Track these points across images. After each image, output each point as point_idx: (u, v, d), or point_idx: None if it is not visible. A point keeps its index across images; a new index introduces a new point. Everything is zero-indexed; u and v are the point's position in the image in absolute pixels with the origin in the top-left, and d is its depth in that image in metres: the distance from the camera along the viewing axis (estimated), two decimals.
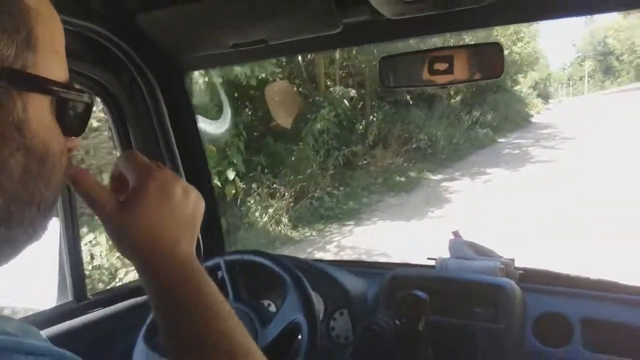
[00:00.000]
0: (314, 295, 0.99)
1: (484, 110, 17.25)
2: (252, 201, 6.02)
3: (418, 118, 12.06)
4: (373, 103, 11.35)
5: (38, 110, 0.38)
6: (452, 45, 1.04)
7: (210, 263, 1.05)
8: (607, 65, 58.76)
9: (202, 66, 1.47)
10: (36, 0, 0.38)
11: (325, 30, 1.04)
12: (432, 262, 1.34)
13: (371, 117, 10.75)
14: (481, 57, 1.02)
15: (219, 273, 1.06)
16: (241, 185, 5.86)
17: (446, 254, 1.34)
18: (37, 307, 1.13)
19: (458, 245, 1.33)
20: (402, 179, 9.15)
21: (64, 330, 1.08)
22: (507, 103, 21.20)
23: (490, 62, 1.01)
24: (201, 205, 0.53)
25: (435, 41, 6.02)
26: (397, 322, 1.08)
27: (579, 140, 14.12)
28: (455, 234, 1.36)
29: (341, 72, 10.15)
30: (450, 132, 13.43)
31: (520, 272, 1.24)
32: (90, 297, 1.20)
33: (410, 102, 12.19)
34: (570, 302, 1.16)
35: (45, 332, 0.97)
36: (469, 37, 7.67)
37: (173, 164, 1.32)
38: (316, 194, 6.94)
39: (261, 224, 5.94)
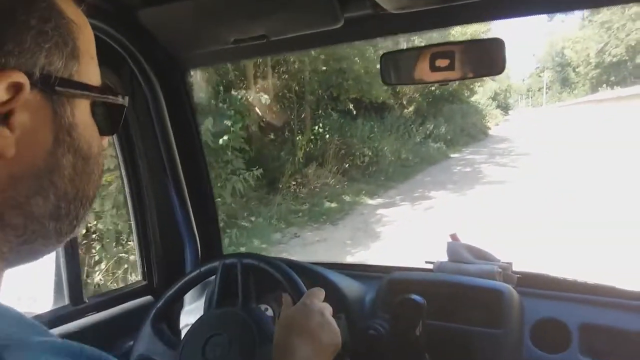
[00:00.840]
0: None
1: (438, 122, 18.51)
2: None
3: (363, 130, 12.34)
4: (315, 113, 11.49)
5: (82, 114, 0.49)
6: (452, 41, 1.23)
7: (227, 262, 1.17)
8: (564, 77, 65.39)
9: (203, 63, 1.60)
10: (74, 12, 0.49)
11: (327, 25, 1.19)
12: (430, 266, 1.49)
13: (309, 129, 10.86)
14: (482, 53, 1.16)
15: (214, 277, 1.19)
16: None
17: (444, 257, 1.49)
18: (33, 310, 1.24)
19: (456, 248, 1.47)
20: (333, 204, 9.08)
21: (60, 334, 1.18)
22: (463, 114, 23.07)
23: (492, 58, 1.14)
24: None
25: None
26: (395, 327, 1.23)
27: (534, 157, 15.47)
28: (453, 237, 1.50)
29: (277, 77, 10.27)
30: (399, 147, 13.92)
31: (518, 276, 1.38)
32: (87, 300, 1.32)
33: (354, 112, 12.41)
34: (568, 308, 1.29)
35: None
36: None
37: (172, 165, 1.47)
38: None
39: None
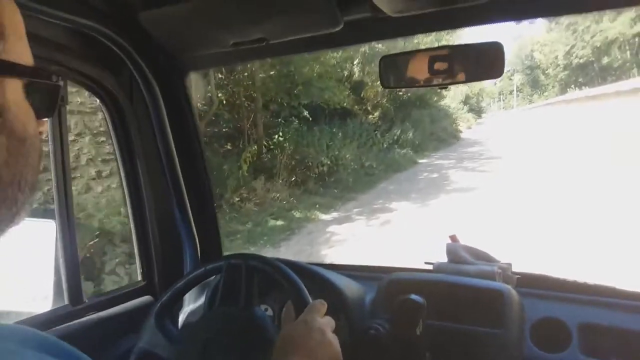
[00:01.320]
0: (311, 300, 1.20)
1: (405, 128, 19.23)
2: None
3: (322, 138, 12.55)
4: (276, 120, 11.60)
5: (14, 94, 0.51)
6: (450, 44, 1.33)
7: (232, 262, 1.26)
8: (534, 79, 70.04)
9: (203, 66, 1.74)
10: None
11: (326, 28, 1.29)
12: (430, 267, 1.62)
13: (262, 138, 10.90)
14: (481, 56, 1.27)
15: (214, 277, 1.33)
16: None
17: (444, 258, 1.62)
18: (32, 310, 1.34)
19: (455, 249, 1.60)
20: (279, 222, 8.86)
21: (59, 334, 1.27)
22: (433, 119, 24.23)
23: (491, 61, 1.25)
24: None
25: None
26: (395, 327, 1.35)
27: (504, 161, 16.34)
28: (453, 238, 1.64)
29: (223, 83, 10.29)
30: (362, 154, 14.34)
31: (518, 276, 1.51)
32: (87, 300, 1.43)
33: (310, 119, 12.47)
34: (568, 308, 1.41)
35: None
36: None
37: (172, 167, 1.58)
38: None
39: None
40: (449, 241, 1.65)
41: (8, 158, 0.51)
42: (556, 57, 51.18)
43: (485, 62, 1.28)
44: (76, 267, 1.41)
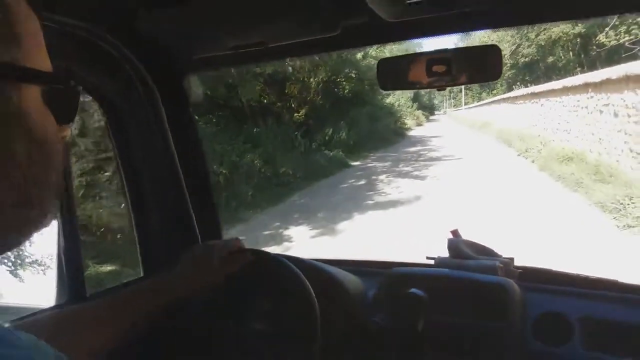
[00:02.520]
0: (312, 292, 1.40)
1: (338, 127, 19.97)
2: None
3: (214, 142, 12.29)
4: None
5: (32, 100, 0.59)
6: (448, 48, 1.49)
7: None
8: None
9: (202, 69, 1.92)
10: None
11: (324, 33, 1.48)
12: (431, 261, 1.84)
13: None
14: (479, 59, 1.48)
15: None
16: None
17: (445, 253, 1.85)
18: (34, 306, 1.55)
19: (457, 244, 1.83)
20: (108, 268, 6.70)
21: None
22: (374, 117, 25.87)
23: (488, 64, 1.46)
24: None
25: None
26: (396, 321, 1.52)
27: (443, 164, 17.35)
28: (454, 232, 1.88)
29: None
30: (278, 159, 14.24)
31: (520, 271, 1.71)
32: (89, 297, 1.62)
33: (214, 120, 12.55)
34: (569, 301, 1.59)
35: None
36: None
37: (171, 166, 1.81)
38: None
39: None
40: (451, 236, 1.89)
41: (30, 163, 0.59)
42: (503, 56, 55.00)
43: (482, 64, 1.49)
44: (79, 263, 1.61)
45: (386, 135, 29.17)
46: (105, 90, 1.68)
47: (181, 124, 1.89)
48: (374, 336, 1.56)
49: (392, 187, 13.74)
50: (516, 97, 27.25)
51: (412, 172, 16.43)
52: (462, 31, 1.65)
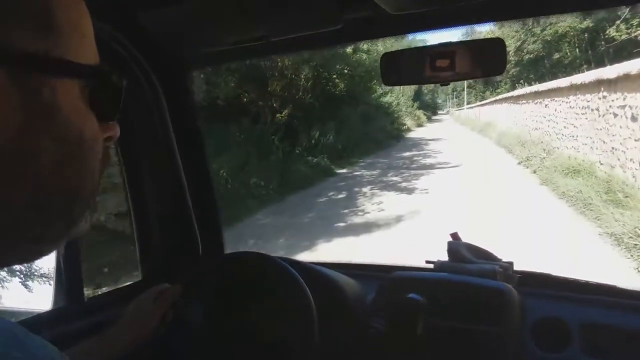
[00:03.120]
0: (311, 297, 1.50)
1: (326, 130, 20.55)
2: None
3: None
4: None
5: (68, 96, 0.56)
6: (452, 41, 1.58)
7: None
8: None
9: (204, 64, 2.09)
10: None
11: (326, 27, 1.58)
12: (431, 265, 1.95)
13: None
14: (483, 53, 1.55)
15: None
16: None
17: (445, 257, 1.95)
18: (32, 310, 1.64)
19: (456, 247, 1.94)
20: None
21: (60, 334, 1.59)
22: (368, 118, 25.70)
23: (492, 58, 1.54)
24: None
25: None
26: (395, 326, 1.64)
27: (436, 175, 17.12)
28: (454, 236, 1.98)
29: None
30: (254, 167, 13.68)
31: (519, 275, 1.82)
32: (87, 300, 1.77)
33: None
34: (569, 307, 1.69)
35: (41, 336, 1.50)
36: None
37: (173, 164, 1.94)
38: None
39: None
40: (451, 239, 1.99)
41: (57, 165, 0.56)
42: (507, 53, 55.87)
43: (486, 58, 1.58)
44: (78, 266, 1.72)
45: (380, 137, 29.09)
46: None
47: (184, 119, 2.02)
48: (373, 340, 1.68)
49: (373, 204, 12.87)
50: (519, 97, 26.55)
51: (400, 183, 15.92)
52: (467, 24, 1.70)
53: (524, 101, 25.20)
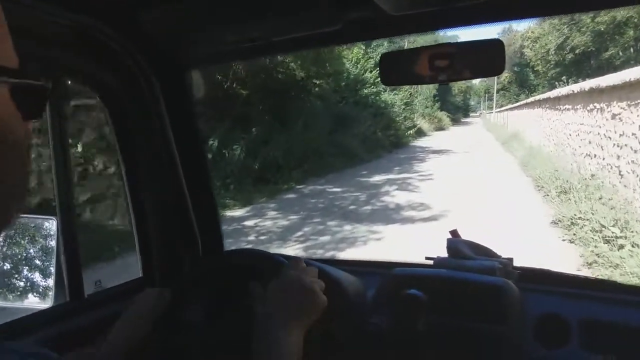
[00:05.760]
0: None
1: (233, 138, 16.49)
2: None
3: None
4: None
5: (1, 98, 0.63)
6: (451, 42, 1.66)
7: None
8: (522, 78, 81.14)
9: (203, 63, 2.24)
10: None
11: (326, 27, 1.68)
12: (431, 262, 2.07)
13: None
14: (481, 53, 1.63)
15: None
16: None
17: (444, 253, 2.08)
18: (33, 306, 1.78)
19: (456, 244, 2.07)
20: None
21: (61, 330, 1.74)
22: (343, 119, 24.46)
23: (491, 58, 1.62)
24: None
25: None
26: (396, 322, 1.73)
27: (400, 237, 10.59)
28: (454, 233, 2.12)
29: None
30: None
31: (519, 272, 1.92)
32: (87, 296, 1.91)
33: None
34: (568, 303, 1.79)
35: (42, 333, 1.73)
36: None
37: (172, 162, 2.09)
38: None
39: None
40: (450, 236, 2.13)
41: None
42: (546, 52, 55.16)
43: (485, 59, 1.66)
44: (77, 263, 1.88)
45: (356, 148, 24.55)
46: (108, 84, 1.96)
47: (182, 118, 2.18)
48: (373, 337, 1.78)
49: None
50: (559, 99, 19.24)
51: (352, 235, 11.10)
52: (467, 25, 1.77)
53: (567, 105, 17.61)
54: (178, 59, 2.07)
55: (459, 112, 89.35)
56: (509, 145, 28.69)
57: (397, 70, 1.80)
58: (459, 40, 1.73)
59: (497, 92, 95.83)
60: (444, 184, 17.50)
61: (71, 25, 1.66)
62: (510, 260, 2.01)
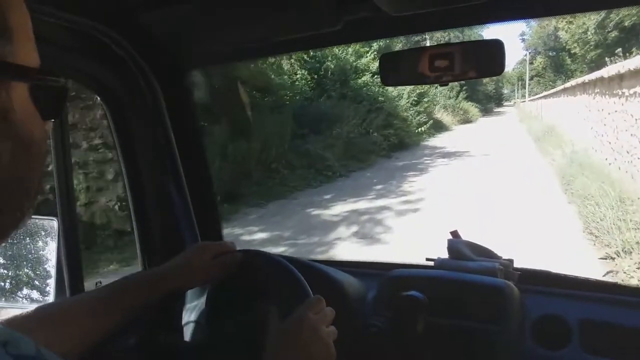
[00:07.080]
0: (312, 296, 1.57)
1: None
2: None
3: None
4: None
5: (20, 98, 0.65)
6: (451, 42, 1.71)
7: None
8: (558, 63, 78.76)
9: (204, 64, 2.34)
10: None
11: (326, 27, 1.72)
12: (431, 263, 2.12)
13: None
14: (482, 53, 1.67)
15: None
16: None
17: (445, 255, 2.13)
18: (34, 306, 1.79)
19: (457, 245, 2.12)
20: None
21: None
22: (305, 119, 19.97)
23: (491, 58, 1.65)
24: None
25: None
26: (396, 323, 1.79)
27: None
28: (454, 234, 2.18)
29: None
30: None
31: (519, 273, 1.96)
32: None
33: None
34: (569, 304, 1.84)
35: None
36: None
37: (172, 162, 2.17)
38: None
39: None
40: (451, 237, 2.18)
41: (14, 163, 0.64)
42: (584, 32, 51.97)
43: (485, 59, 1.70)
44: (78, 260, 1.95)
45: (326, 159, 19.64)
46: (108, 85, 2.03)
47: (183, 119, 2.25)
48: (374, 338, 1.84)
49: None
50: (620, 78, 12.23)
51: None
52: (466, 25, 1.85)
53: (637, 87, 10.95)
54: (179, 60, 2.14)
55: (491, 101, 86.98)
56: (543, 143, 23.61)
57: (397, 70, 1.84)
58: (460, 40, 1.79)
59: (531, 78, 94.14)
60: (429, 222, 11.56)
61: (72, 26, 1.71)
62: (511, 261, 2.06)
